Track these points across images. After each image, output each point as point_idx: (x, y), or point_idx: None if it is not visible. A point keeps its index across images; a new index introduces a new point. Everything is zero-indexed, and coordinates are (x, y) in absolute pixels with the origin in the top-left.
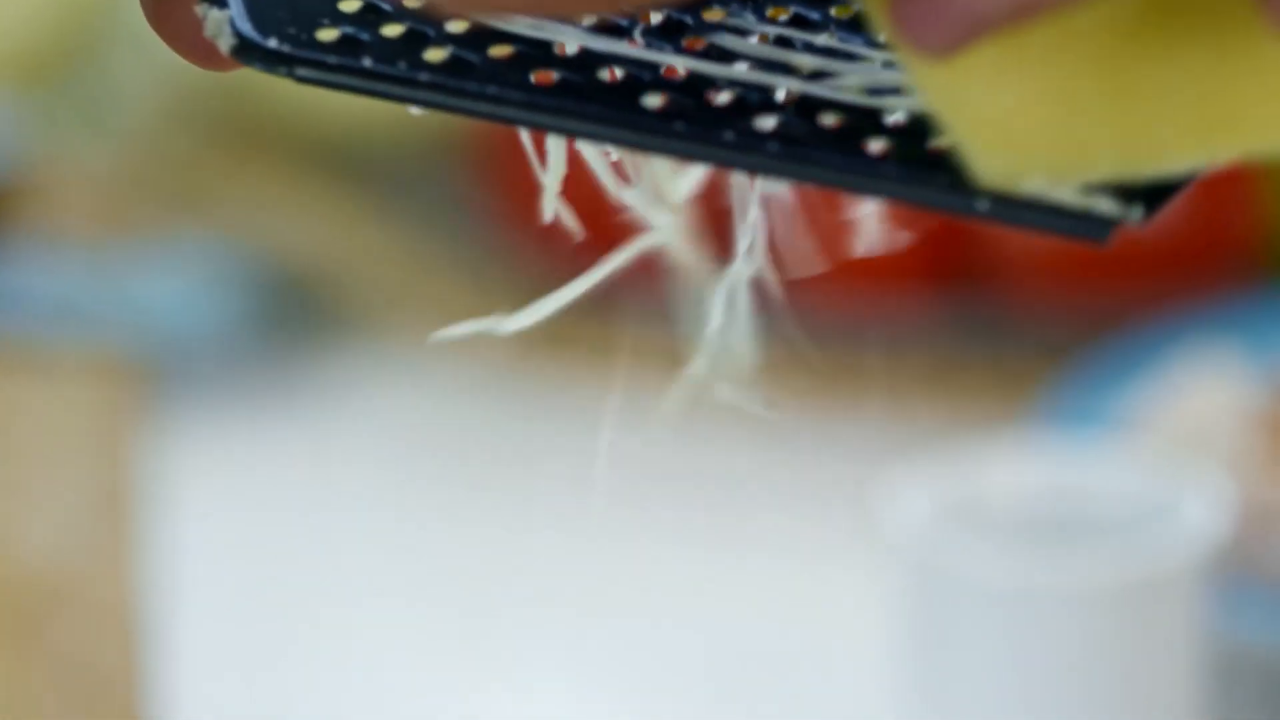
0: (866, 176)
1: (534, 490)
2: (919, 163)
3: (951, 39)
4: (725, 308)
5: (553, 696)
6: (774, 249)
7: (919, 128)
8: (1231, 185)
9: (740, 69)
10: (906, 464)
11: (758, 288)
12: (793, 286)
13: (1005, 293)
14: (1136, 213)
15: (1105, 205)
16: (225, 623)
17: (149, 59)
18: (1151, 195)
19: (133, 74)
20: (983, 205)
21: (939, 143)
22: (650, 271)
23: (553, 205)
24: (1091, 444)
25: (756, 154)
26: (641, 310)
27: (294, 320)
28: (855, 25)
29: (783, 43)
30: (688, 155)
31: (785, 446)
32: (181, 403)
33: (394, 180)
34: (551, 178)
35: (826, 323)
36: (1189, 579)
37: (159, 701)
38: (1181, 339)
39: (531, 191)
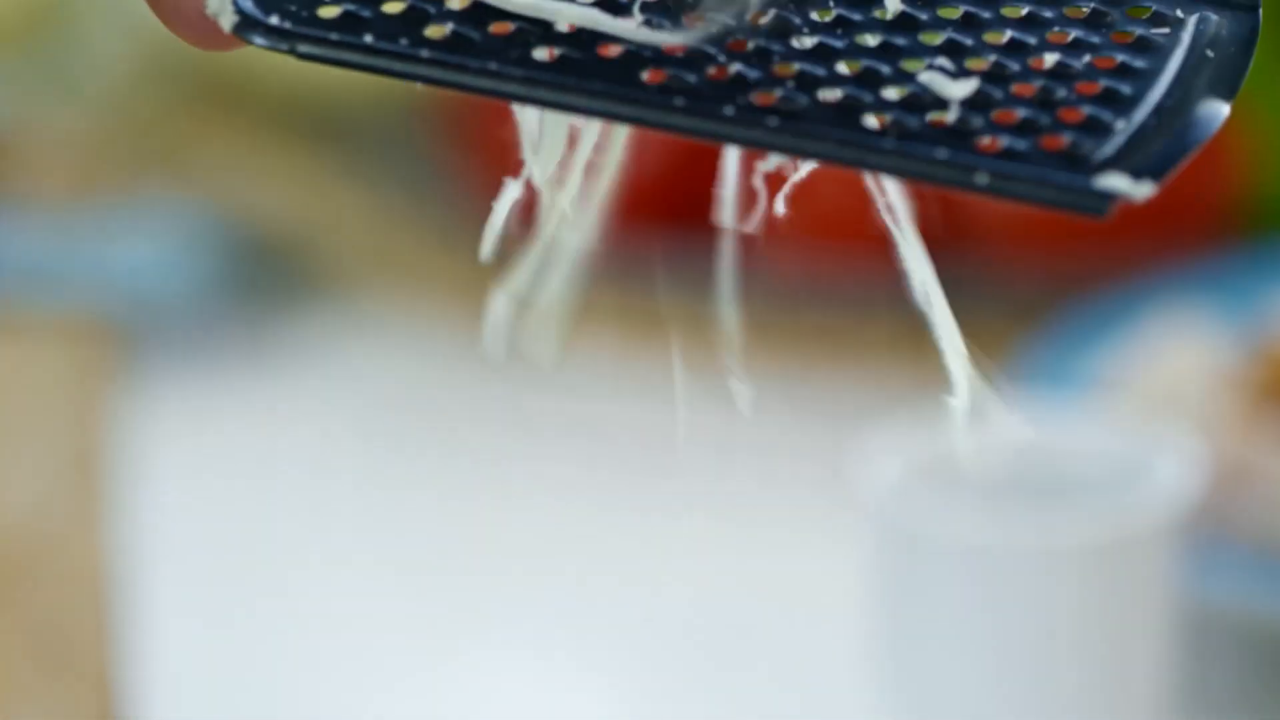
0: (865, 151)
1: (508, 454)
2: (918, 138)
3: None
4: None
5: (527, 661)
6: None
7: (918, 103)
8: (1205, 146)
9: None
10: (879, 425)
11: (735, 252)
12: (766, 249)
13: (978, 253)
14: (1144, 188)
15: (1107, 181)
16: (197, 585)
17: (120, 22)
18: (1151, 170)
19: (104, 37)
20: (981, 179)
21: (938, 117)
22: (627, 235)
23: (544, 180)
24: (1064, 404)
25: (756, 128)
26: (619, 275)
27: (266, 282)
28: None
29: (782, 21)
30: (688, 130)
31: (759, 409)
32: (154, 365)
33: (365, 142)
34: (544, 160)
35: (799, 285)
36: (1161, 539)
37: (130, 663)
38: (1154, 299)
39: (503, 154)
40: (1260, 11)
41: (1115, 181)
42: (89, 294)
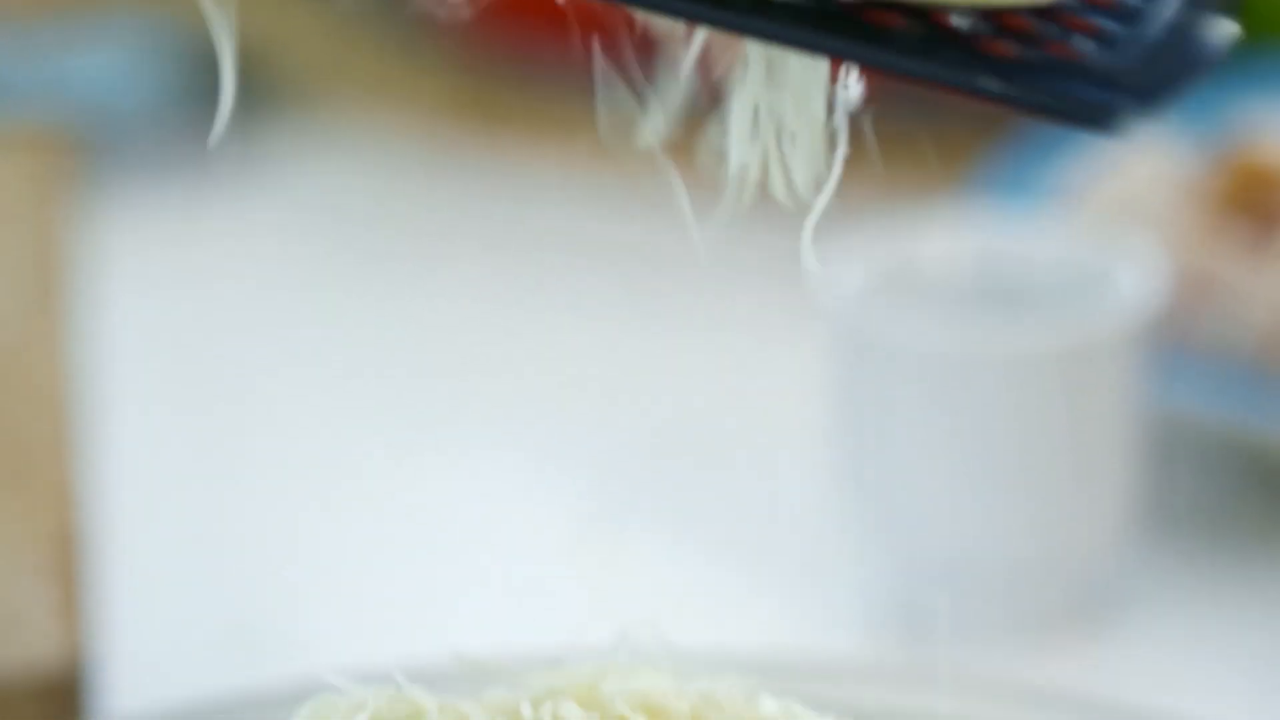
0: (877, 51)
1: (469, 265)
2: (930, 40)
3: None
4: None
5: (496, 466)
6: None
7: (931, 5)
8: None
9: None
10: (842, 235)
11: (697, 64)
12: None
13: None
14: (1157, 110)
15: (1115, 98)
16: (156, 398)
17: None
18: (1161, 87)
19: None
20: (992, 85)
21: (951, 19)
22: (585, 45)
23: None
24: (1026, 214)
25: (771, 23)
26: (576, 84)
27: None
28: None
29: None
30: (696, 18)
31: (721, 219)
32: (114, 178)
33: None
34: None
35: None
36: (1122, 348)
37: (89, 476)
38: None
39: None
40: None
41: (1126, 103)
42: (48, 107)
